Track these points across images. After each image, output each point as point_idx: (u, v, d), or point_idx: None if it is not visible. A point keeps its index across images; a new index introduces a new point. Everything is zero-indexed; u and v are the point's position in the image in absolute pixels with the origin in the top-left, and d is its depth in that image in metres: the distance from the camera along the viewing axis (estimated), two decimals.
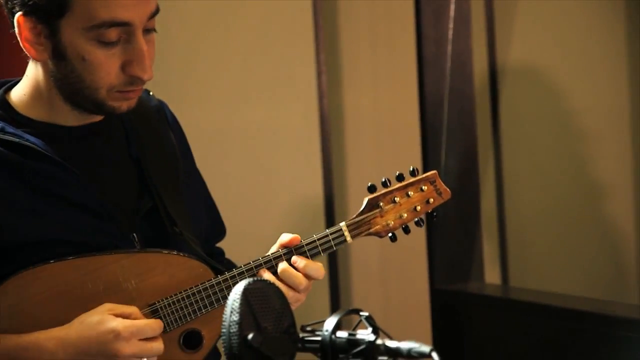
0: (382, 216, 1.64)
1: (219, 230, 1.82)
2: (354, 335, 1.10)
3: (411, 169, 1.67)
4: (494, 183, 3.50)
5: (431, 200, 1.67)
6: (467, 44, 3.08)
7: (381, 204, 1.64)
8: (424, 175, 1.67)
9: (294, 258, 1.59)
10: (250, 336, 1.09)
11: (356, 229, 1.63)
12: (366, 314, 1.12)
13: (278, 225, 3.04)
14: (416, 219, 1.66)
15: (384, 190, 1.64)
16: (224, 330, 1.10)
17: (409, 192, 1.65)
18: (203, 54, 2.93)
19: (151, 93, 1.73)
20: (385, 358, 1.09)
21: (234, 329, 1.09)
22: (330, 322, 1.11)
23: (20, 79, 1.61)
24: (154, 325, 1.46)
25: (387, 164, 3.31)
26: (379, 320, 1.14)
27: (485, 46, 3.37)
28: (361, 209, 1.64)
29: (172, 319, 1.53)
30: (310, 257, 1.61)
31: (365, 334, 1.09)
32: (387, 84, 3.29)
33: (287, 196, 3.10)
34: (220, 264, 1.64)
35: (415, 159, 3.24)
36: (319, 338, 1.11)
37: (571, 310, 2.78)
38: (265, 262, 1.59)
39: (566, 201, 3.55)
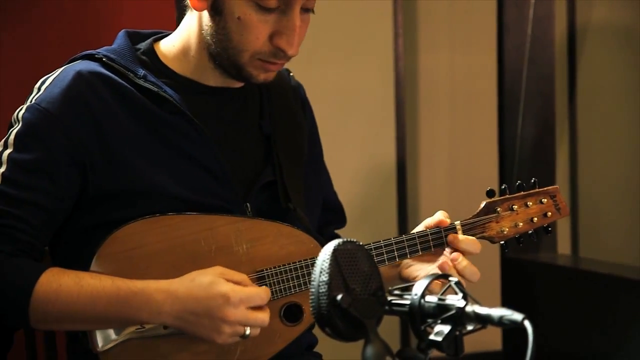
0: (497, 222, 1.63)
1: (341, 219, 1.83)
2: (444, 300, 1.08)
3: (533, 180, 1.66)
4: (568, 153, 3.44)
5: (549, 214, 1.66)
6: (550, 9, 3.02)
7: (499, 209, 1.63)
8: (546, 189, 1.66)
9: (453, 236, 1.60)
10: (339, 297, 1.08)
11: (470, 229, 1.62)
12: (455, 279, 1.11)
13: (349, 188, 3.04)
14: (530, 231, 1.65)
15: (503, 196, 1.64)
16: (312, 290, 1.09)
17: (528, 203, 1.64)
18: None
19: (291, 74, 1.75)
20: (474, 324, 1.07)
21: (323, 289, 1.08)
22: (419, 286, 1.10)
23: (170, 32, 1.63)
24: (262, 294, 1.46)
25: (461, 131, 3.28)
26: None
27: (565, 10, 3.30)
28: (477, 211, 1.63)
29: (276, 288, 1.53)
30: (421, 250, 1.60)
31: (455, 299, 1.08)
32: (465, 48, 3.24)
33: (359, 158, 3.10)
34: None
35: (491, 126, 3.20)
36: (407, 302, 1.10)
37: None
38: (376, 249, 1.57)
39: None
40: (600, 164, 3.47)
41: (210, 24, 1.53)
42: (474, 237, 1.60)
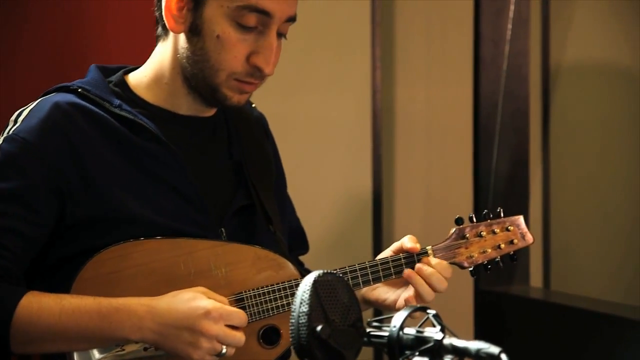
0: (466, 247, 1.68)
1: (304, 246, 1.87)
2: (422, 332, 1.10)
3: (498, 209, 1.71)
4: (541, 186, 3.48)
5: (515, 241, 1.71)
6: (525, 46, 3.07)
7: (467, 235, 1.68)
8: (511, 217, 1.71)
9: (425, 259, 1.62)
10: (318, 328, 1.09)
11: (441, 254, 1.67)
12: (433, 311, 1.13)
13: (325, 218, 3.05)
14: (497, 258, 1.70)
15: (472, 224, 1.69)
16: (292, 320, 1.11)
17: (495, 230, 1.69)
18: None
19: (253, 105, 1.79)
20: (452, 357, 1.09)
21: (303, 319, 1.10)
22: (398, 318, 1.11)
23: (138, 66, 1.66)
24: (241, 315, 1.48)
25: (437, 163, 3.31)
26: None
27: (540, 47, 3.35)
28: (447, 237, 1.68)
29: (254, 310, 1.55)
30: (395, 274, 1.65)
31: (433, 331, 1.10)
32: (441, 82, 3.28)
33: (335, 189, 3.11)
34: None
35: (466, 159, 3.23)
36: (386, 333, 1.12)
37: (613, 317, 2.77)
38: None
39: (613, 208, 3.52)
40: (573, 198, 3.52)
41: (186, 45, 1.56)
42: (445, 262, 1.65)
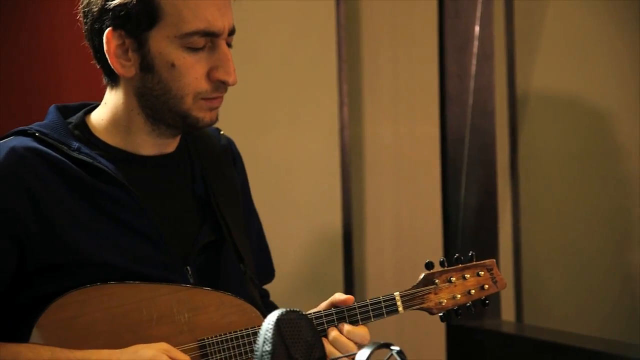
0: (436, 293, 1.66)
1: (269, 272, 1.85)
2: None
3: (470, 253, 1.70)
4: (511, 219, 3.49)
5: (486, 286, 1.69)
6: (490, 80, 3.10)
7: (437, 281, 1.66)
8: (482, 262, 1.70)
9: (340, 324, 1.59)
10: None
11: (409, 300, 1.65)
12: (397, 348, 1.12)
13: (296, 255, 3.05)
14: (468, 304, 1.68)
15: (442, 269, 1.67)
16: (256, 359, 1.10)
17: (466, 275, 1.68)
18: None
19: (222, 132, 1.78)
20: None
21: (266, 358, 1.09)
22: (361, 355, 1.11)
23: (99, 103, 1.66)
24: None
25: (406, 198, 3.31)
26: None
27: (505, 81, 3.39)
28: (416, 282, 1.66)
29: (218, 357, 1.54)
30: (361, 320, 1.62)
31: None
32: (408, 118, 3.30)
33: (305, 226, 3.11)
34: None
35: (434, 194, 3.24)
36: None
37: (585, 350, 2.77)
38: (316, 318, 1.59)
39: (583, 239, 3.54)
40: (543, 230, 3.53)
41: (142, 84, 1.56)
42: (360, 329, 1.60)
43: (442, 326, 3.18)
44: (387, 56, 3.28)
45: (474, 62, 3.07)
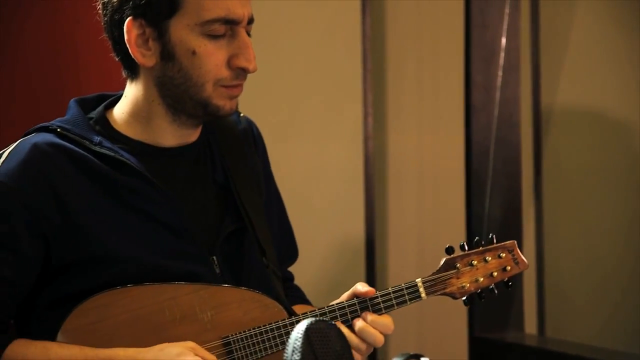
0: (458, 278, 1.65)
1: (292, 254, 1.85)
2: None
3: (490, 235, 1.68)
4: (534, 232, 3.48)
5: (508, 268, 1.67)
6: (516, 92, 3.09)
7: (458, 265, 1.65)
8: (503, 244, 1.68)
9: (364, 313, 1.58)
10: None
11: (431, 286, 1.63)
12: (427, 359, 1.12)
13: (318, 264, 3.04)
14: (491, 286, 1.67)
15: (462, 253, 1.66)
16: None
17: (487, 258, 1.66)
18: (252, 92, 2.97)
19: (242, 114, 1.78)
20: None
21: None
22: None
23: (116, 94, 1.67)
24: None
25: (429, 209, 3.31)
26: None
27: (530, 93, 3.38)
28: (437, 268, 1.65)
29: (242, 354, 1.54)
30: (384, 309, 1.59)
31: None
32: (433, 129, 3.30)
33: (328, 235, 3.11)
34: (293, 297, 1.67)
35: (458, 205, 3.23)
36: None
37: None
38: (339, 309, 1.57)
39: (607, 253, 3.51)
40: (567, 243, 3.51)
41: (162, 74, 1.57)
42: (384, 318, 1.58)
43: (464, 338, 3.17)
44: (411, 66, 3.28)
45: (500, 73, 3.06)
